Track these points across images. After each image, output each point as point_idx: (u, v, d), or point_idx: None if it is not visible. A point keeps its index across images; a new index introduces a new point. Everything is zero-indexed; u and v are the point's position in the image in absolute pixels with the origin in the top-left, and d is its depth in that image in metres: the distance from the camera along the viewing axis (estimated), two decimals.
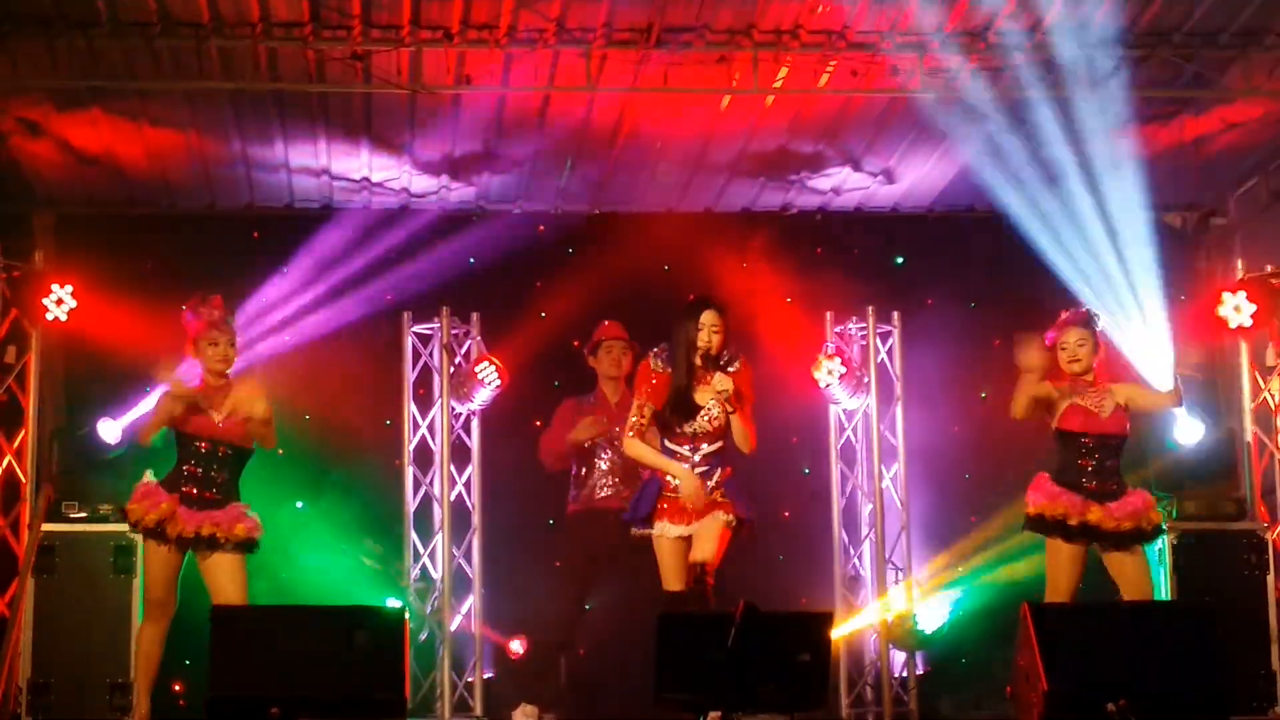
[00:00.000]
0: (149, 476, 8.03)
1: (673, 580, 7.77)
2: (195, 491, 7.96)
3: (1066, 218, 10.05)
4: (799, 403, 10.84)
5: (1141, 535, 8.26)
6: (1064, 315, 8.49)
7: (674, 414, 7.84)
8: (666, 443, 7.89)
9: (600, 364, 10.01)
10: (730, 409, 7.78)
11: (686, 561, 7.75)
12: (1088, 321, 8.42)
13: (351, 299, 10.86)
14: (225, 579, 7.92)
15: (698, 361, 7.82)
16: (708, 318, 7.83)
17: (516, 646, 10.55)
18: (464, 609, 10.33)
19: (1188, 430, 10.46)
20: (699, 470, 7.80)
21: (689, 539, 7.76)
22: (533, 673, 10.09)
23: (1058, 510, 8.17)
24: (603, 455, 9.82)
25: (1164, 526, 8.81)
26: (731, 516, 7.75)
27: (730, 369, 7.85)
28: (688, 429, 7.82)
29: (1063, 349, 8.36)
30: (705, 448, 7.83)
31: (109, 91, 9.52)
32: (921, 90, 9.50)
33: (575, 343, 10.40)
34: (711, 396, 7.81)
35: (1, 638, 9.29)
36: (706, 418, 7.81)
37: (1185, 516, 10.14)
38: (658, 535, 7.80)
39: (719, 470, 7.83)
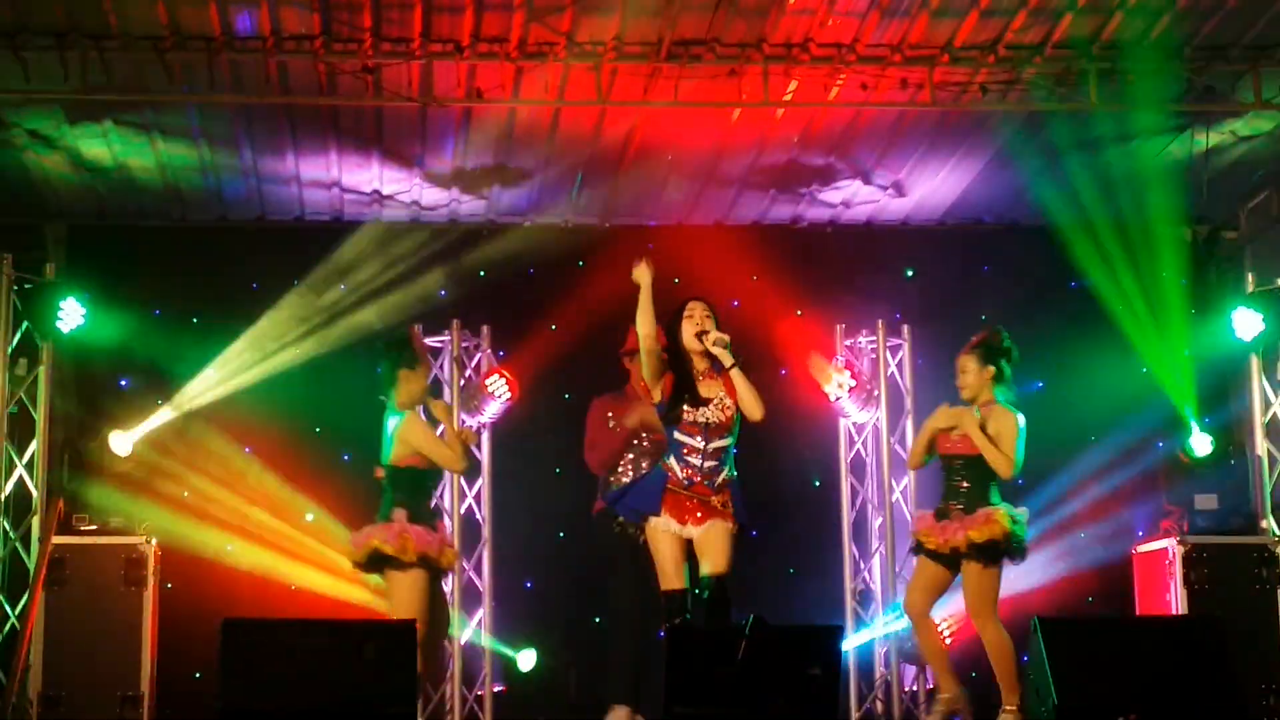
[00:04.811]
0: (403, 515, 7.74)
1: (672, 578, 7.62)
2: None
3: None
4: (810, 416, 10.83)
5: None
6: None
7: (680, 402, 7.68)
8: (676, 434, 7.68)
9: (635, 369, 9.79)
10: (735, 358, 7.66)
11: (682, 560, 7.63)
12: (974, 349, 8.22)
13: (362, 311, 10.86)
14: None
15: (698, 347, 7.72)
16: (692, 307, 7.81)
17: (522, 661, 10.53)
18: (474, 622, 10.34)
19: (1199, 443, 10.47)
20: (707, 464, 7.65)
21: (689, 541, 7.62)
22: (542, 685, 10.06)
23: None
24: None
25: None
26: (734, 525, 7.63)
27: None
28: (699, 418, 7.67)
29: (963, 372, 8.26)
30: (716, 441, 7.66)
31: (121, 104, 9.54)
32: (931, 104, 9.50)
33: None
34: (710, 346, 7.67)
35: (12, 650, 9.29)
36: (718, 407, 7.67)
37: (1195, 530, 10.15)
38: (662, 530, 7.63)
39: (724, 471, 7.67)
